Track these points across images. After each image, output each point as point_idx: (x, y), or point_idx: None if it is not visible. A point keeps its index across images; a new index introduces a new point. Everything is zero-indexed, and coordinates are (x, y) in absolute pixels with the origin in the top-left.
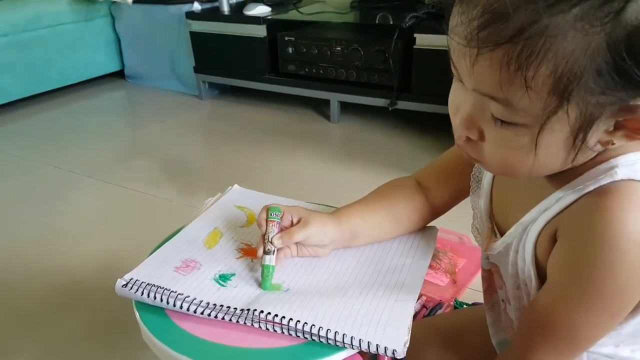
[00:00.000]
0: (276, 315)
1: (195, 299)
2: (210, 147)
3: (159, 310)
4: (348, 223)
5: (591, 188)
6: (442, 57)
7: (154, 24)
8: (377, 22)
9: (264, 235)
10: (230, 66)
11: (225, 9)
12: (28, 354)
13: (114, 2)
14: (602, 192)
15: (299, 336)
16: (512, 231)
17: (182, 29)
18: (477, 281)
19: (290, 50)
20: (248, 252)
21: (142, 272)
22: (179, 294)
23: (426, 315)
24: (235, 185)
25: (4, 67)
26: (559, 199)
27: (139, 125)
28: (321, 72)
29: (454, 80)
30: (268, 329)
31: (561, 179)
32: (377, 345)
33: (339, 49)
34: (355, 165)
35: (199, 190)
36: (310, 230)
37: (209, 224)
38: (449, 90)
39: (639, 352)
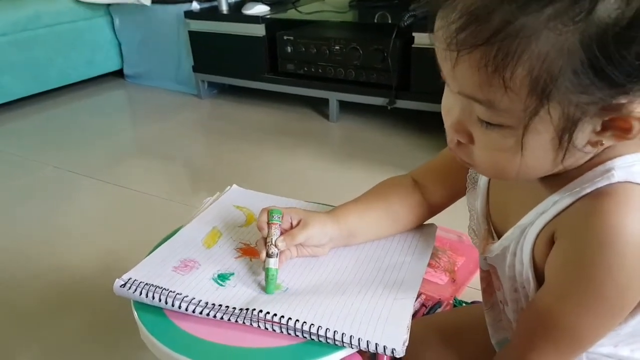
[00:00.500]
0: (275, 314)
1: (193, 298)
2: (210, 146)
3: (157, 310)
4: (346, 222)
5: (588, 190)
6: None
7: (153, 24)
8: (375, 21)
9: (265, 238)
10: (229, 65)
11: (224, 8)
12: (28, 354)
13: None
14: (599, 195)
15: (297, 335)
16: (510, 234)
17: (181, 28)
18: (476, 279)
19: (289, 49)
20: (247, 252)
21: (141, 272)
22: (178, 293)
23: (425, 313)
24: (234, 185)
25: (3, 67)
26: (556, 202)
27: (138, 124)
28: (320, 71)
29: (445, 85)
30: (267, 329)
31: (558, 181)
32: (376, 344)
33: (337, 48)
34: (355, 164)
35: (198, 189)
36: (311, 231)
37: (207, 223)
38: None
39: (638, 352)
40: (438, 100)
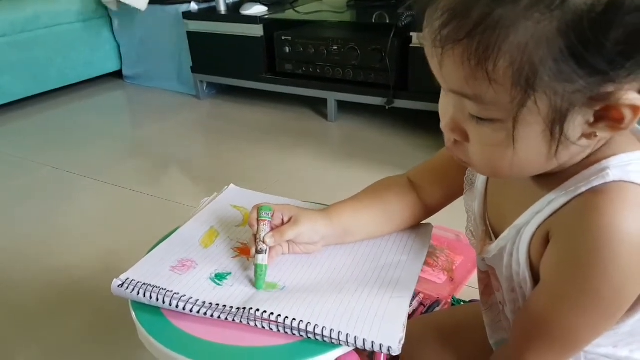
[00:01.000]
0: (272, 313)
1: (191, 298)
2: (208, 146)
3: (155, 310)
4: (339, 220)
5: (583, 190)
6: None
7: (151, 25)
8: (373, 21)
9: (255, 235)
10: (228, 66)
11: (222, 8)
12: (27, 354)
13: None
14: (594, 194)
15: (294, 334)
16: (506, 234)
17: (179, 29)
18: (474, 278)
19: (287, 49)
20: (244, 252)
21: (138, 272)
22: (175, 293)
23: (424, 312)
24: (232, 185)
25: (3, 67)
26: (551, 201)
27: (136, 125)
28: (318, 71)
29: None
30: (264, 327)
31: (553, 181)
32: (372, 342)
33: (335, 48)
34: (353, 163)
35: (197, 189)
36: (301, 228)
37: (205, 223)
38: None
39: (637, 352)
40: (436, 100)
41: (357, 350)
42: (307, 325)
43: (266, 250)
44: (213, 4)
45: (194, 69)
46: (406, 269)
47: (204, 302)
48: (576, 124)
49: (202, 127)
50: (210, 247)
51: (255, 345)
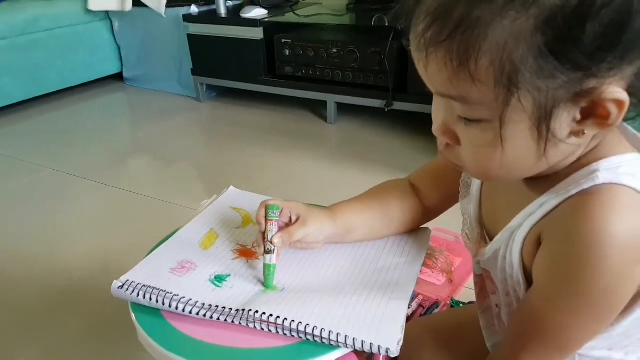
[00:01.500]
0: (271, 315)
1: (190, 299)
2: (208, 149)
3: (154, 312)
4: (343, 219)
5: (573, 192)
6: None
7: (152, 27)
8: (373, 24)
9: (263, 233)
10: (228, 68)
11: (222, 11)
12: (28, 354)
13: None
14: (584, 196)
15: (293, 336)
16: (499, 237)
17: (179, 31)
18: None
19: (287, 52)
20: (243, 253)
21: (138, 274)
22: (175, 295)
23: (423, 314)
24: (231, 187)
25: (3, 70)
26: (543, 204)
27: (137, 127)
28: (318, 73)
29: None
30: (263, 329)
31: (545, 184)
32: (370, 344)
33: (335, 50)
34: (353, 165)
35: (197, 191)
36: (309, 229)
37: (204, 225)
38: None
39: (632, 355)
40: None
41: (355, 352)
42: (306, 327)
43: (274, 250)
44: (213, 7)
45: (194, 72)
46: (405, 271)
47: (204, 304)
48: (563, 122)
49: (202, 129)
50: (210, 249)
51: (254, 347)
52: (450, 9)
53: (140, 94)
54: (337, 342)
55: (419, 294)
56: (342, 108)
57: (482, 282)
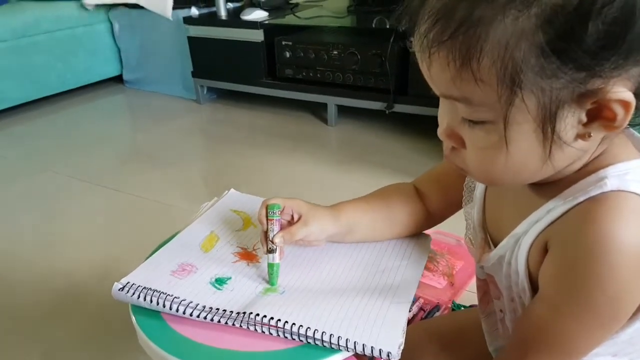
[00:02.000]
0: (272, 318)
1: (191, 302)
2: (208, 151)
3: (155, 314)
4: (346, 218)
5: (581, 199)
6: None
7: (152, 29)
8: (373, 26)
9: (265, 232)
10: (228, 70)
11: (223, 13)
12: (28, 358)
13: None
14: (592, 203)
15: (294, 339)
16: (504, 243)
17: (180, 33)
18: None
19: (287, 54)
20: (244, 256)
21: (139, 276)
22: (175, 297)
23: (424, 317)
24: (232, 190)
25: (3, 73)
26: (550, 211)
27: (137, 129)
28: (318, 76)
29: None
30: (264, 332)
31: (551, 190)
32: (371, 347)
33: (335, 52)
34: (353, 167)
35: (197, 194)
36: (311, 229)
37: (205, 228)
38: None
39: None
40: (436, 105)
41: (356, 355)
42: (306, 330)
43: (276, 249)
44: (213, 9)
45: (194, 74)
46: (406, 274)
47: (204, 307)
48: (568, 123)
49: (202, 131)
50: (210, 252)
51: (255, 350)
52: (453, 9)
53: (140, 96)
54: (338, 345)
55: (420, 297)
56: (342, 110)
57: (485, 286)
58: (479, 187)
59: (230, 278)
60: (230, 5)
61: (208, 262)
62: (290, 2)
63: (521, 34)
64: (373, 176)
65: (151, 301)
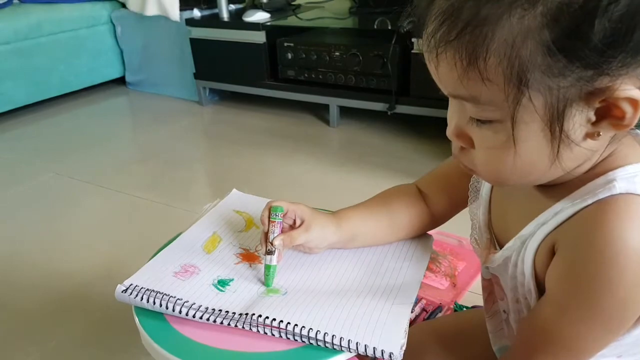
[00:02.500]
0: (274, 319)
1: (194, 303)
2: (211, 152)
3: (158, 316)
4: (348, 226)
5: (589, 202)
6: None
7: (154, 31)
8: (375, 27)
9: (266, 234)
10: (230, 72)
11: (225, 15)
12: (29, 358)
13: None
14: (600, 206)
15: (296, 340)
16: (511, 245)
17: (182, 35)
18: (477, 284)
19: (289, 55)
20: (247, 257)
21: (142, 278)
22: (178, 299)
23: (426, 318)
24: (234, 190)
25: (6, 74)
26: (557, 213)
27: (139, 131)
28: (320, 77)
29: None
30: (266, 333)
31: (559, 191)
32: (374, 348)
33: (337, 54)
34: (355, 168)
35: (199, 195)
36: (311, 235)
37: (207, 229)
38: None
39: None
40: (438, 106)
41: (359, 356)
42: (309, 331)
43: (275, 252)
44: (216, 10)
45: (196, 75)
46: (408, 275)
47: (207, 308)
48: (576, 122)
49: (204, 133)
50: (213, 253)
51: (257, 351)
52: (460, 9)
53: (142, 98)
54: (340, 346)
55: (422, 298)
56: (344, 111)
57: (491, 286)
58: (485, 187)
59: (232, 280)
60: (232, 6)
61: (210, 264)
62: (292, 3)
63: (527, 33)
64: (375, 177)
65: (154, 303)
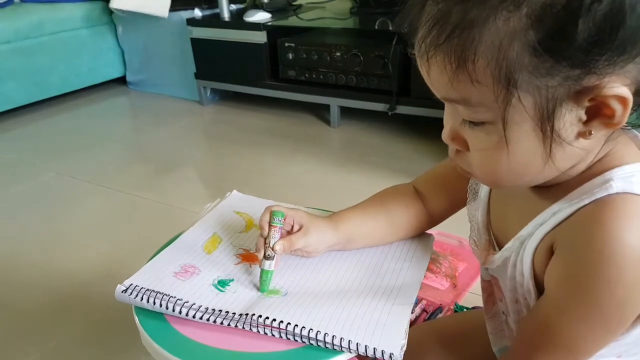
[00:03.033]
0: (274, 319)
1: (194, 304)
2: (211, 152)
3: (158, 316)
4: (345, 229)
5: (587, 202)
6: None
7: (155, 31)
8: (376, 27)
9: (265, 238)
10: (231, 72)
11: (226, 15)
12: (29, 358)
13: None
14: (597, 206)
15: (297, 340)
16: (510, 245)
17: (183, 35)
18: (477, 285)
19: (290, 56)
20: (247, 258)
21: (142, 278)
22: (178, 299)
23: (426, 319)
24: (234, 191)
25: (7, 74)
26: (555, 213)
27: (140, 131)
28: (321, 77)
29: None
30: (266, 334)
31: (556, 192)
32: (374, 348)
33: (338, 54)
34: (355, 169)
35: (200, 195)
36: (310, 239)
37: (208, 229)
38: None
39: None
40: (438, 106)
41: (359, 356)
42: (309, 332)
43: (274, 257)
44: (217, 10)
45: (197, 75)
46: (408, 275)
47: (207, 308)
48: (567, 122)
49: (205, 132)
50: (213, 253)
51: (257, 351)
52: (448, 13)
53: (143, 97)
54: (341, 346)
55: (422, 298)
56: (345, 112)
57: (490, 288)
58: (483, 189)
59: (232, 280)
60: (233, 6)
61: (211, 264)
62: (293, 3)
63: (513, 34)
64: (375, 177)
65: (154, 303)
